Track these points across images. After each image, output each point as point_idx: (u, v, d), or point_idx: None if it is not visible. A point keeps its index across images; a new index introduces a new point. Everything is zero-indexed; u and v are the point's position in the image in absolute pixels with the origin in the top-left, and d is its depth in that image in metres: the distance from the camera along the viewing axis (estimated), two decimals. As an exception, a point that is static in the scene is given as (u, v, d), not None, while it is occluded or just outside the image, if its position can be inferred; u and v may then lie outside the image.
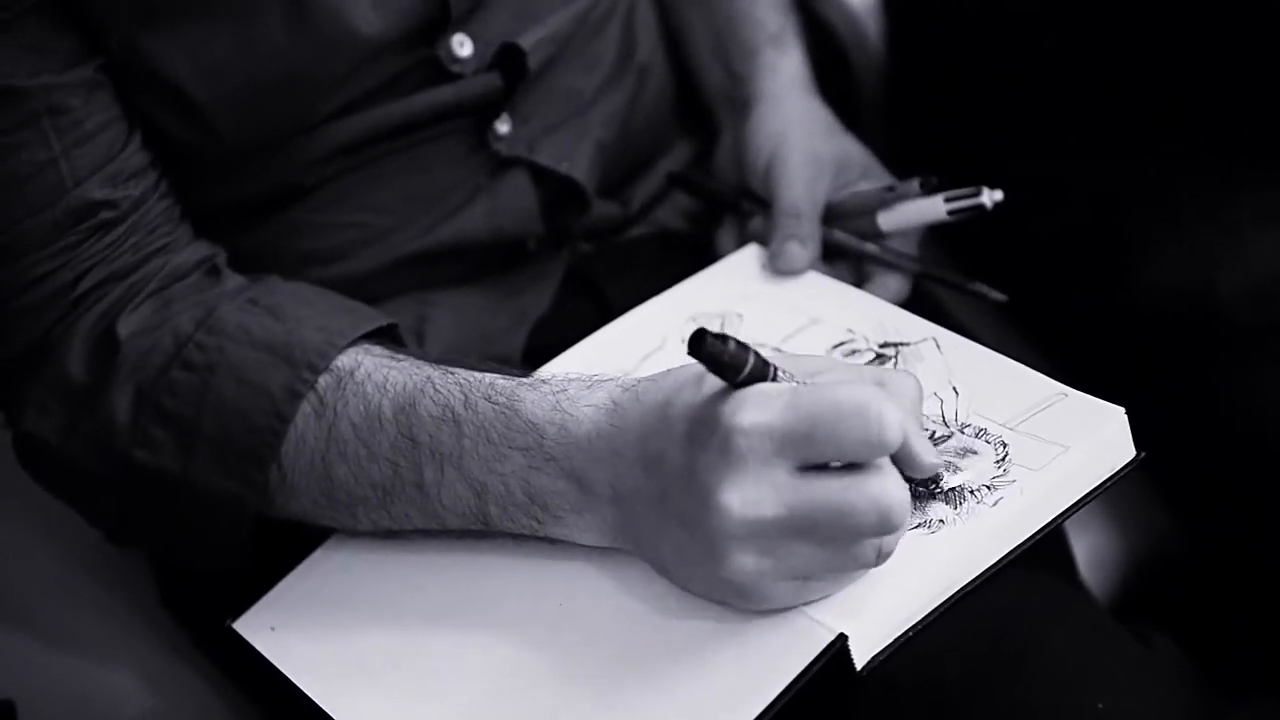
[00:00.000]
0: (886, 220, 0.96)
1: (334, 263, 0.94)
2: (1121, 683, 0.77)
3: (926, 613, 0.75)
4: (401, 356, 0.83)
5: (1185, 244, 1.04)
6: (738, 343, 0.69)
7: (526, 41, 0.94)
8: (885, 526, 0.69)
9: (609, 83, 1.02)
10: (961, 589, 0.75)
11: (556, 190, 0.99)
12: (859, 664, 0.73)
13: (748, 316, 0.93)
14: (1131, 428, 0.80)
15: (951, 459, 0.79)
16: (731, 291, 0.95)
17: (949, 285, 0.96)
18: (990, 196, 0.92)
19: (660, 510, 0.73)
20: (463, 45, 0.93)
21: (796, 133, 0.99)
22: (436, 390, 0.79)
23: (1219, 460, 1.04)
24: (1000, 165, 1.05)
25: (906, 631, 0.74)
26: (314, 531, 0.86)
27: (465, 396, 0.78)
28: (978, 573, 0.76)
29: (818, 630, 0.72)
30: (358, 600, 0.83)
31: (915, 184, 0.95)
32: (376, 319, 0.86)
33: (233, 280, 0.87)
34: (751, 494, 0.69)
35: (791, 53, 1.04)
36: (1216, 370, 1.03)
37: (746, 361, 0.70)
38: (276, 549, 0.86)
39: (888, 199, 0.96)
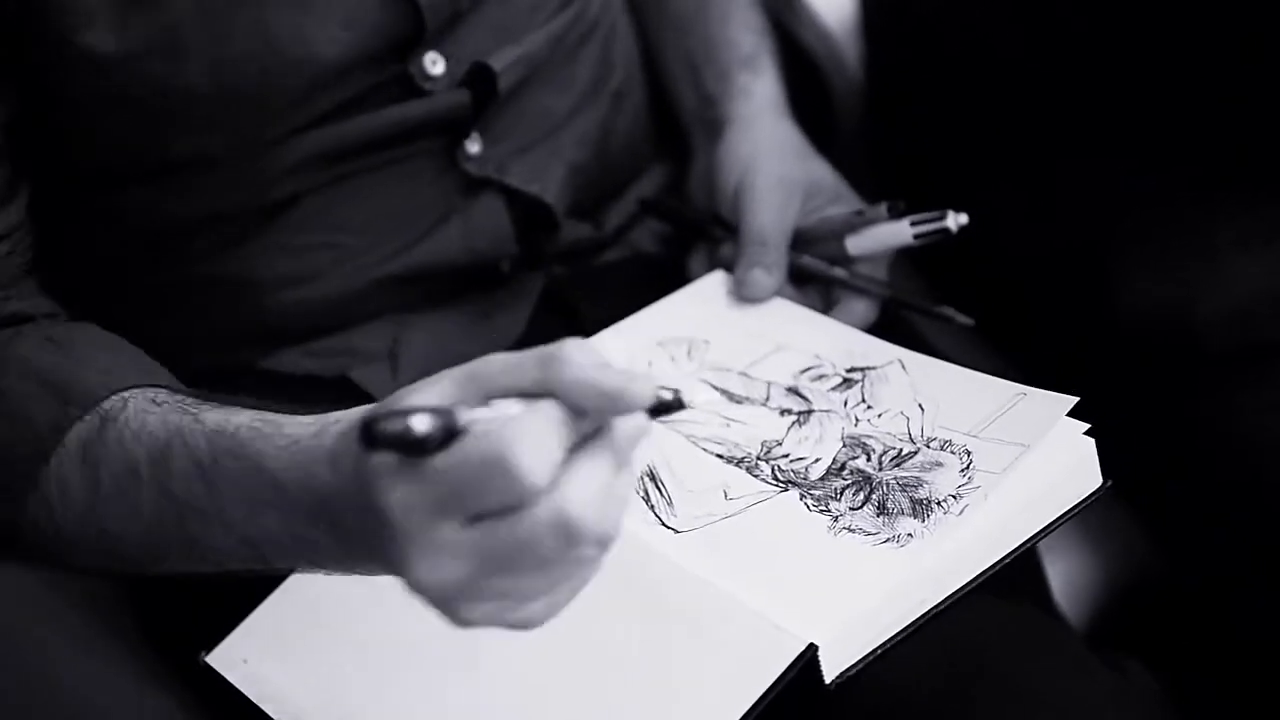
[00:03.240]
0: (855, 245, 0.96)
1: (309, 283, 0.94)
2: (1094, 711, 0.77)
3: (898, 629, 0.75)
4: (165, 399, 0.79)
5: (1163, 268, 1.04)
6: (419, 413, 0.63)
7: (499, 62, 0.95)
8: (574, 542, 0.63)
9: (582, 105, 1.02)
10: (932, 609, 0.76)
11: (529, 211, 0.99)
12: (829, 677, 0.73)
13: (714, 342, 0.93)
14: (1108, 451, 0.80)
15: (918, 474, 0.80)
16: (697, 317, 0.96)
17: (916, 310, 0.96)
18: (955, 220, 0.92)
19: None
20: (435, 63, 0.93)
21: (766, 157, 0.99)
22: (185, 444, 0.75)
23: (1196, 485, 1.03)
24: (978, 190, 1.05)
25: (877, 648, 0.74)
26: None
27: (211, 451, 0.74)
28: (948, 591, 0.77)
29: (787, 640, 0.72)
30: (331, 630, 0.83)
31: (883, 208, 0.95)
32: (165, 377, 0.83)
33: (46, 324, 0.85)
34: (432, 561, 0.64)
35: (765, 75, 1.05)
36: (1193, 394, 1.02)
37: (433, 437, 0.63)
38: (250, 577, 0.86)
39: (856, 223, 0.96)
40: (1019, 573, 0.80)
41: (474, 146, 0.96)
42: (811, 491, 0.82)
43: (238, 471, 0.73)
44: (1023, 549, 0.79)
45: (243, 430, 0.74)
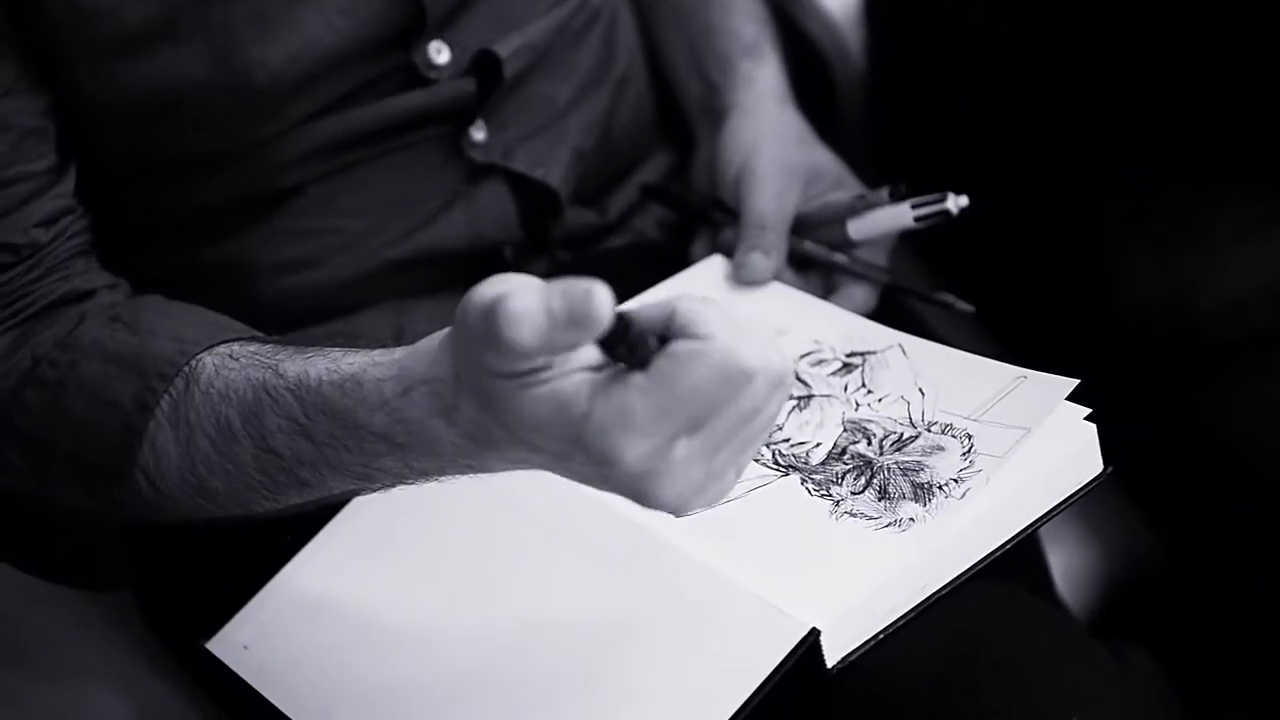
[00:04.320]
0: (856, 229, 0.96)
1: (312, 268, 0.95)
2: (1095, 697, 0.77)
3: (900, 614, 0.75)
4: (239, 351, 0.80)
5: (1164, 258, 1.04)
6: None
7: (504, 49, 0.95)
8: (783, 385, 0.64)
9: (585, 92, 1.02)
10: (934, 594, 0.76)
11: (534, 197, 0.99)
12: (830, 661, 0.73)
13: None
14: (1108, 441, 0.80)
15: (919, 458, 0.80)
16: None
17: (916, 296, 0.96)
18: (955, 202, 0.92)
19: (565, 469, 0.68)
20: (440, 52, 0.93)
21: (767, 143, 0.99)
22: (275, 402, 0.75)
23: (1196, 474, 1.03)
24: (981, 178, 1.05)
25: (879, 633, 0.74)
26: (287, 545, 0.86)
27: (303, 408, 0.74)
28: (950, 576, 0.77)
29: (790, 625, 0.73)
30: (330, 615, 0.83)
31: (884, 192, 0.95)
32: (236, 329, 0.83)
33: (107, 297, 0.86)
34: (645, 448, 0.63)
35: (767, 64, 1.04)
36: (1194, 384, 1.03)
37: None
38: (251, 561, 0.86)
39: (857, 207, 0.96)
40: (1020, 560, 0.80)
41: (479, 133, 0.97)
42: (812, 476, 0.82)
43: (336, 426, 0.73)
44: (1024, 535, 0.79)
45: (324, 386, 0.73)
